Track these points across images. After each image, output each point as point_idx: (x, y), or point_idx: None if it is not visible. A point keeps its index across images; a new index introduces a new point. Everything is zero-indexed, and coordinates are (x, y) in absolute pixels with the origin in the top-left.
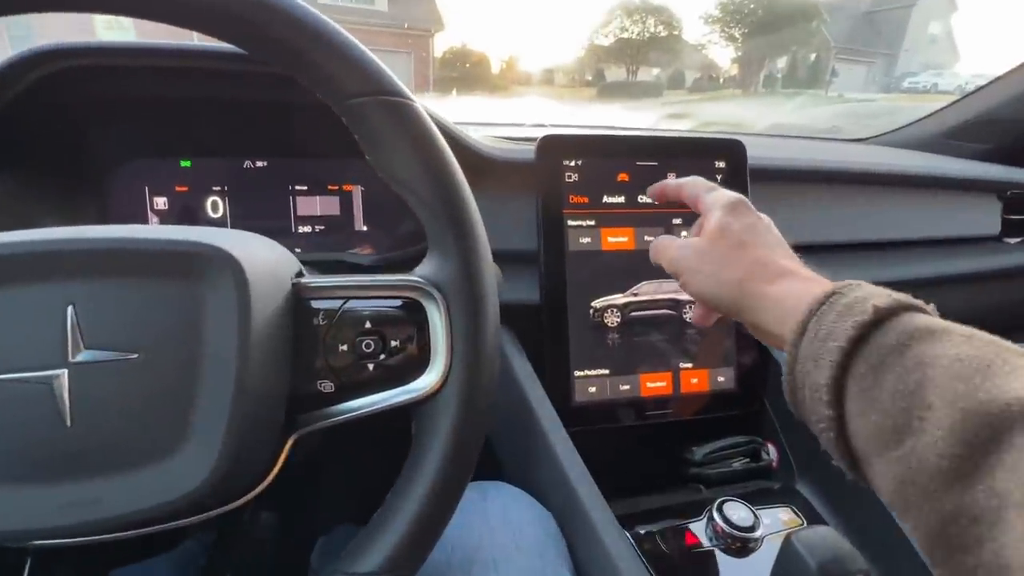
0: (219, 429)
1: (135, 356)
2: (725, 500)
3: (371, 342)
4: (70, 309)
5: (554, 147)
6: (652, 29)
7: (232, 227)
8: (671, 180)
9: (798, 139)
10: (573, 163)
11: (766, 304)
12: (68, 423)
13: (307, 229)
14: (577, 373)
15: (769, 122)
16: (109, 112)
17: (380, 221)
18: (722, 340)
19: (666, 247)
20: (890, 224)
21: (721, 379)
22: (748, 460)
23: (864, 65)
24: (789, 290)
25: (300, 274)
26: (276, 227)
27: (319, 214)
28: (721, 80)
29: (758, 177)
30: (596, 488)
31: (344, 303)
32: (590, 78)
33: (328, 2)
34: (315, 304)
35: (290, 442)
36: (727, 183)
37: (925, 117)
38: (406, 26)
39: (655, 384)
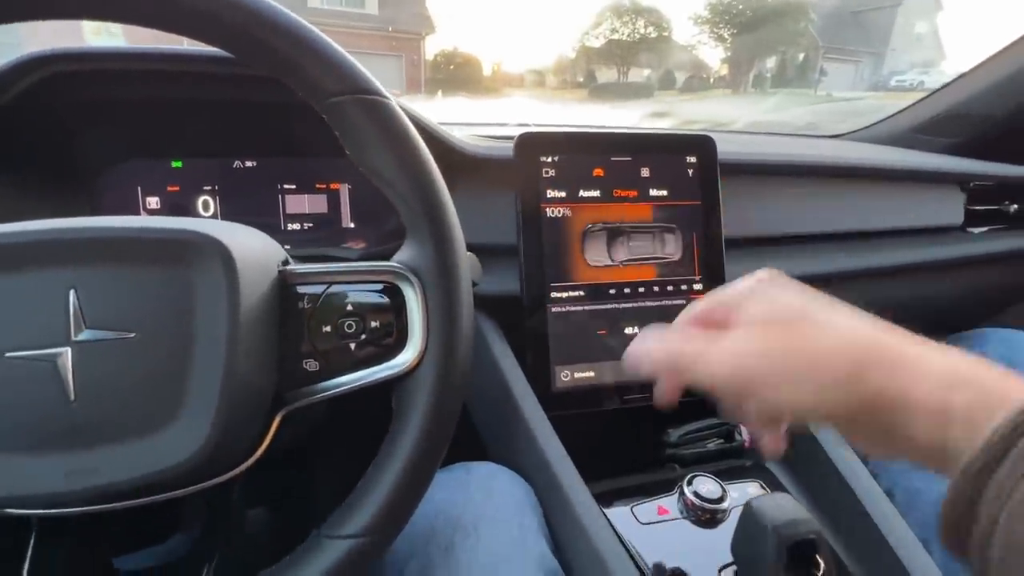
0: (210, 404)
1: (132, 335)
2: (695, 475)
3: (353, 323)
4: (72, 293)
5: (531, 144)
6: (642, 30)
7: None
8: (668, 338)
9: (773, 135)
10: (550, 159)
11: (909, 405)
12: (71, 398)
13: (296, 226)
14: (556, 360)
15: (750, 119)
16: (102, 115)
17: (367, 218)
18: None
19: (697, 358)
20: (858, 215)
21: None
22: (722, 441)
23: (852, 64)
24: (937, 385)
25: (286, 262)
26: (266, 224)
27: (307, 212)
28: (711, 80)
29: (729, 172)
30: (573, 466)
31: (327, 288)
32: (581, 80)
33: (318, 5)
34: (300, 289)
35: (278, 418)
36: (698, 177)
37: (896, 113)
38: (396, 29)
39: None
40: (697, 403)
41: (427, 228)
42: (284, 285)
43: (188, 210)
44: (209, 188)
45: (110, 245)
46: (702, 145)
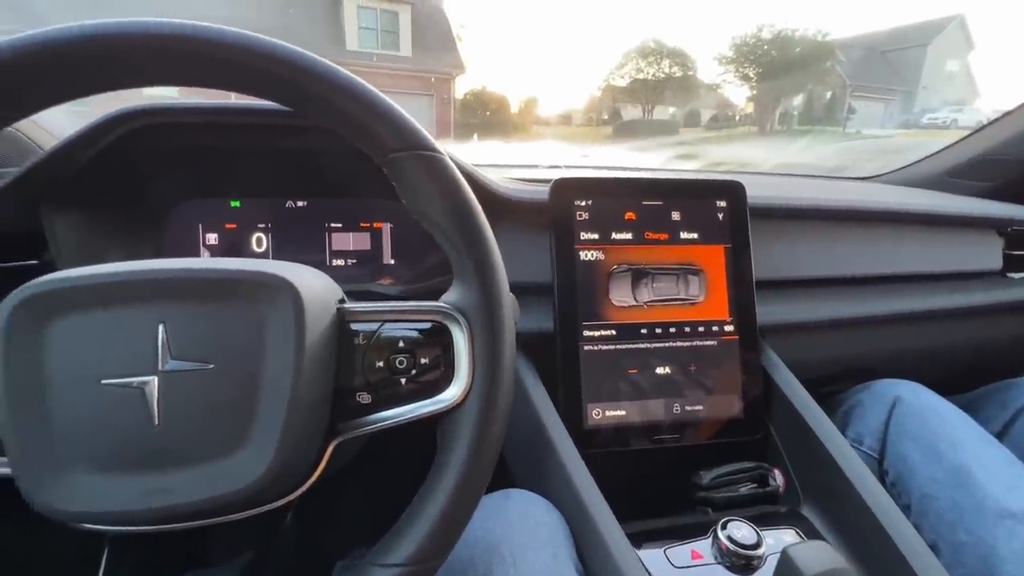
0: (275, 432)
1: (210, 367)
2: (729, 519)
3: (403, 360)
4: (161, 327)
5: (566, 189)
6: (667, 70)
7: (274, 260)
8: None
9: (802, 177)
10: (583, 203)
11: None
12: (156, 422)
13: (340, 262)
14: (587, 398)
15: (780, 160)
16: (172, 161)
17: (405, 255)
18: (727, 368)
19: None
20: (892, 259)
21: (727, 406)
22: (755, 485)
23: (881, 102)
24: None
25: (342, 300)
26: (313, 260)
27: (352, 248)
28: (736, 118)
29: (759, 215)
30: (607, 506)
31: (381, 326)
32: (606, 117)
33: (357, 48)
34: (355, 326)
35: (331, 448)
36: (728, 221)
37: (929, 156)
38: (428, 71)
39: (663, 410)
40: (728, 446)
41: (474, 273)
42: (341, 321)
43: (244, 246)
44: (263, 226)
45: (195, 284)
46: (732, 190)
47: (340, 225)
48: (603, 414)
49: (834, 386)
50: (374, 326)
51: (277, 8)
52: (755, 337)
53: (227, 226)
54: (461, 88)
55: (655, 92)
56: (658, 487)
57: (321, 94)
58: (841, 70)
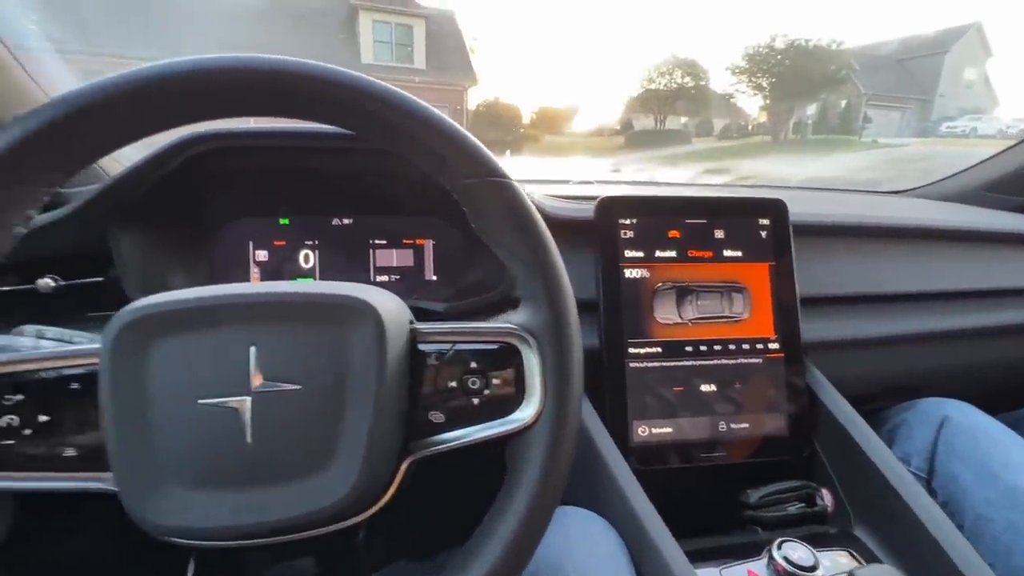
0: (358, 451)
1: (298, 387)
2: (784, 540)
3: (476, 380)
4: (253, 348)
5: (611, 207)
6: (679, 80)
7: (320, 276)
8: None
9: (837, 192)
10: (628, 221)
11: None
12: (248, 440)
13: (384, 278)
14: (633, 415)
15: (809, 174)
16: (225, 181)
17: (447, 271)
18: (772, 386)
19: None
20: (934, 276)
21: (772, 424)
22: (803, 505)
23: (898, 111)
24: None
25: (411, 320)
26: (358, 277)
27: (395, 265)
28: (750, 127)
29: (800, 232)
30: (663, 524)
31: (453, 346)
32: (618, 127)
33: (372, 62)
34: (425, 346)
35: (404, 466)
36: (771, 239)
37: (963, 170)
38: (442, 82)
39: (708, 428)
40: (772, 464)
41: (544, 295)
42: (413, 341)
43: (292, 263)
44: (310, 243)
45: (284, 308)
46: (775, 208)
47: (384, 242)
48: (649, 431)
49: (875, 404)
50: (445, 346)
51: (294, 24)
52: (800, 355)
53: (276, 243)
54: (474, 99)
55: (667, 102)
56: (704, 505)
57: (398, 123)
58: (856, 79)
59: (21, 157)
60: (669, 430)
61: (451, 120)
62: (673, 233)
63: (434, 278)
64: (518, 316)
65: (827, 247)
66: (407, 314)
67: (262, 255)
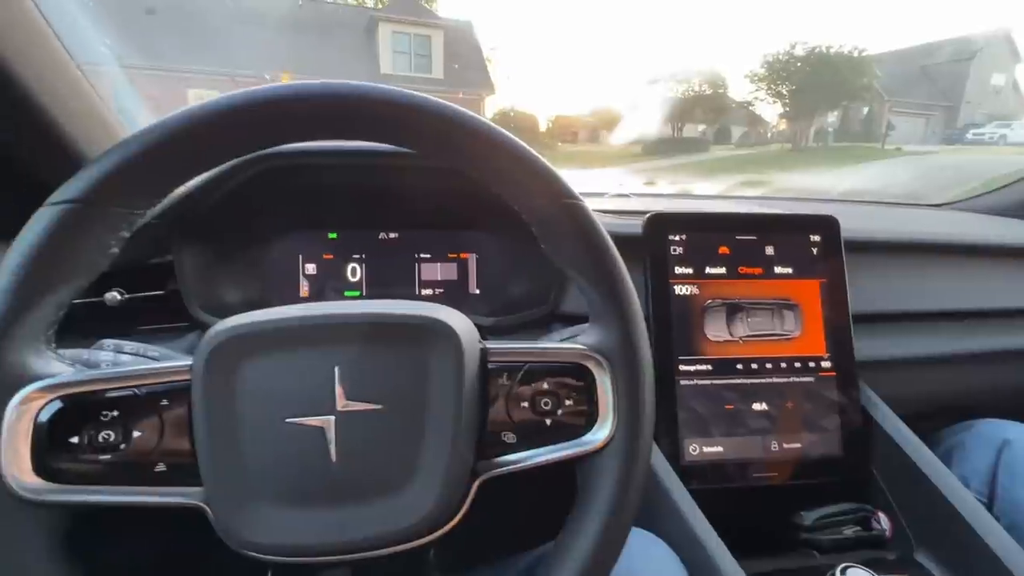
0: (440, 470)
1: (380, 407)
2: (848, 566)
3: (548, 400)
4: (337, 369)
5: (660, 223)
6: (696, 88)
7: (367, 289)
8: None
9: (879, 205)
10: (678, 238)
11: None
12: (333, 459)
13: (428, 292)
14: (685, 434)
15: (848, 187)
16: (279, 196)
17: (490, 285)
18: (824, 405)
19: None
20: (988, 293)
21: (826, 445)
22: (859, 528)
23: (922, 117)
24: None
25: (480, 339)
26: (403, 291)
27: (439, 279)
28: (768, 135)
29: (850, 248)
30: (725, 547)
31: (524, 366)
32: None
33: (391, 72)
34: (498, 366)
35: (476, 485)
36: (823, 255)
37: (1010, 184)
38: (460, 93)
39: (760, 447)
40: (825, 486)
41: (616, 316)
42: (485, 362)
43: (339, 276)
44: (358, 257)
45: (366, 328)
46: (826, 224)
47: (429, 256)
48: (700, 450)
49: (927, 424)
50: (517, 366)
51: (318, 35)
52: (853, 374)
53: (325, 256)
54: (491, 109)
55: (685, 110)
56: (755, 525)
57: (467, 145)
58: (878, 85)
59: (118, 183)
60: (720, 449)
61: (522, 142)
62: (723, 249)
63: (477, 292)
64: (589, 337)
65: (877, 263)
66: (476, 333)
67: (311, 268)
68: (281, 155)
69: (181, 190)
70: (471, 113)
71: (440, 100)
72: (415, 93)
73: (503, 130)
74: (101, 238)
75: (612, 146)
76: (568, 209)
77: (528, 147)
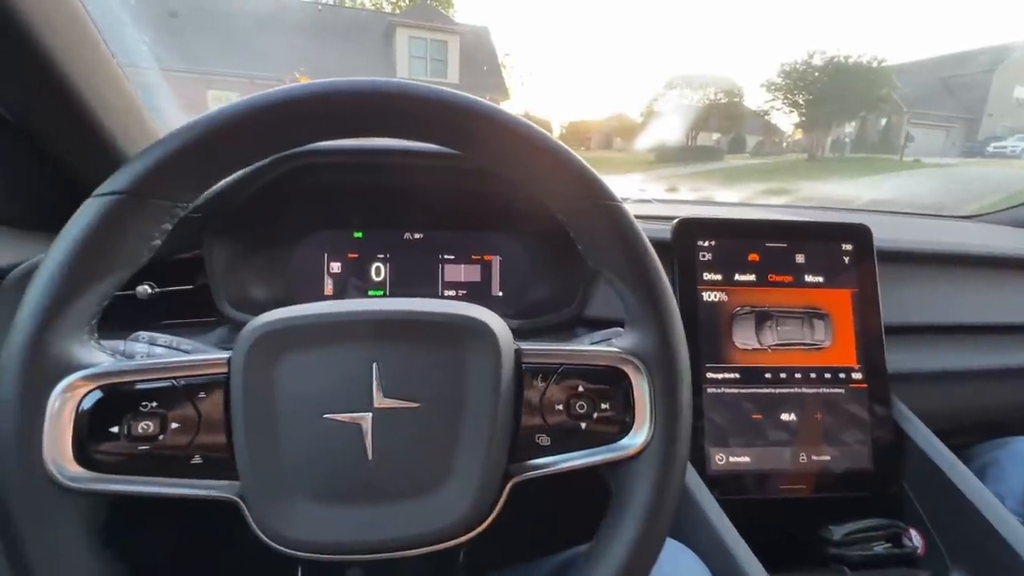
0: (476, 471)
1: (417, 405)
2: None
3: (584, 404)
4: (375, 365)
5: (689, 229)
6: (712, 96)
7: (391, 289)
8: None
9: (907, 216)
10: (707, 243)
11: None
12: (369, 456)
13: (451, 293)
14: (711, 443)
15: (871, 197)
16: (307, 194)
17: (513, 287)
18: (855, 417)
19: None
20: (1021, 307)
21: (856, 458)
22: (889, 545)
23: (942, 129)
24: None
25: (515, 340)
26: (427, 291)
27: (463, 280)
28: (784, 144)
29: (882, 259)
30: (755, 557)
31: (560, 368)
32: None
33: (407, 76)
34: (533, 368)
35: (508, 487)
36: (854, 265)
37: None
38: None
39: (788, 458)
40: (853, 500)
41: (654, 320)
42: (519, 363)
43: (363, 275)
44: (382, 256)
45: (406, 326)
46: (858, 232)
47: (453, 257)
48: (727, 460)
49: (960, 439)
50: (552, 368)
51: (338, 39)
52: (885, 386)
53: (349, 255)
54: None
55: (700, 118)
56: (782, 538)
57: (506, 145)
58: (897, 96)
59: (163, 176)
60: (747, 459)
61: (561, 143)
62: (753, 256)
63: (500, 294)
64: (625, 340)
65: (907, 274)
66: (511, 334)
67: (336, 267)
68: (308, 153)
69: (212, 187)
70: (511, 113)
71: (481, 99)
72: (457, 92)
73: (543, 130)
74: (145, 230)
75: (626, 153)
76: (607, 211)
77: (568, 147)
